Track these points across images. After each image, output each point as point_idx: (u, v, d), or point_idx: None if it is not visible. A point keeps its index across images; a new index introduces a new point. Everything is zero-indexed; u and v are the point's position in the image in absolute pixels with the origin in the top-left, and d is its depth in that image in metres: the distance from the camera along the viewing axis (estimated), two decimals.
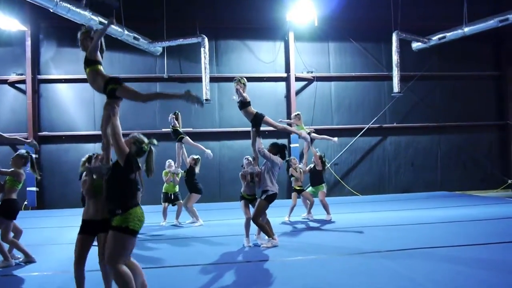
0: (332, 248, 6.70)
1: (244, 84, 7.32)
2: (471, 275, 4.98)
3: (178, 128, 9.68)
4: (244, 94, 7.25)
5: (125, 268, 3.85)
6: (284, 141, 14.89)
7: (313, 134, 10.22)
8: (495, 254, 6.03)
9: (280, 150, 7.15)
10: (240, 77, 7.38)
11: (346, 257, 6.12)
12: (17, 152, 6.42)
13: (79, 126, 14.14)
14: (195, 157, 9.63)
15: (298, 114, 10.23)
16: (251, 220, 6.93)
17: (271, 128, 14.01)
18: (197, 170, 9.50)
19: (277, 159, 7.01)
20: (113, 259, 3.82)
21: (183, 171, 9.70)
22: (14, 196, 6.14)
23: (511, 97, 15.85)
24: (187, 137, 9.56)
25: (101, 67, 4.37)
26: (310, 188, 9.85)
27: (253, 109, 7.38)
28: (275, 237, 6.94)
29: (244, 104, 7.36)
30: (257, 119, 7.28)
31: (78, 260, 4.31)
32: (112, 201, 3.95)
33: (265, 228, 6.88)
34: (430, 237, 7.32)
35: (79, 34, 4.56)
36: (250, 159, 7.50)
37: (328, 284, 4.84)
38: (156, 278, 5.13)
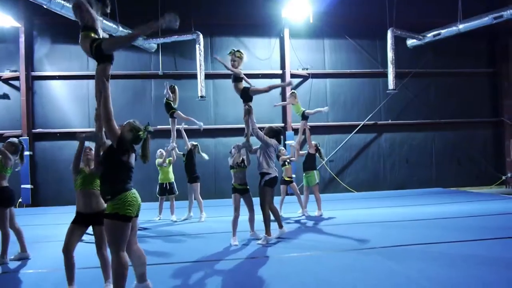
0: (328, 245, 6.71)
1: (240, 58, 7.09)
2: (466, 271, 5.01)
3: (171, 102, 9.57)
4: (236, 70, 7.02)
5: (124, 259, 3.87)
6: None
7: (307, 111, 10.28)
8: (489, 250, 6.06)
9: (276, 134, 7.11)
10: (237, 49, 7.18)
11: (341, 254, 6.13)
12: (9, 139, 6.34)
13: (74, 123, 14.07)
14: (194, 143, 9.72)
15: (293, 92, 10.29)
16: (238, 218, 6.97)
17: (266, 125, 14.02)
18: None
19: (271, 140, 6.95)
20: (112, 246, 3.87)
21: (182, 154, 9.71)
22: (4, 183, 6.07)
23: (506, 94, 15.92)
24: (179, 111, 9.49)
25: (93, 34, 4.31)
26: (304, 177, 9.81)
27: (242, 85, 7.15)
28: (277, 232, 7.01)
29: (235, 79, 7.17)
30: (244, 93, 7.10)
31: (66, 246, 4.45)
32: (104, 185, 3.97)
33: (268, 221, 6.84)
34: (425, 233, 7.35)
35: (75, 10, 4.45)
36: (240, 144, 7.39)
37: (323, 280, 4.85)
38: (149, 275, 5.11)
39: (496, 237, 6.84)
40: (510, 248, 6.14)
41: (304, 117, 9.95)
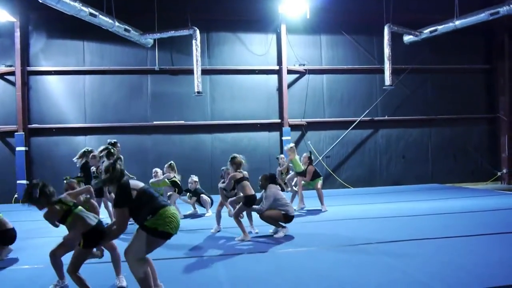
0: (324, 240, 6.73)
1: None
2: (462, 266, 5.04)
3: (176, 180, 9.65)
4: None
5: (146, 268, 3.92)
6: (276, 134, 14.94)
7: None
8: (485, 245, 6.10)
9: (271, 179, 7.30)
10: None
11: (337, 249, 6.15)
12: None
13: (70, 119, 14.01)
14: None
15: (292, 147, 10.20)
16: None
17: (263, 121, 14.02)
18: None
19: (272, 191, 7.08)
20: (134, 254, 3.86)
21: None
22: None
23: (502, 91, 15.95)
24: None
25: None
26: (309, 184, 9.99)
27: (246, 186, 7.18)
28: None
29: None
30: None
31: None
32: (138, 216, 3.98)
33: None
34: (421, 228, 7.38)
35: None
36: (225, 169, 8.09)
37: (320, 276, 4.87)
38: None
39: (491, 232, 6.88)
40: (506, 244, 6.18)
41: (301, 173, 9.88)
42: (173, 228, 3.95)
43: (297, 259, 5.61)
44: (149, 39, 13.85)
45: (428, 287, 4.37)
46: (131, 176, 8.29)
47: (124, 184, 3.95)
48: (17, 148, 13.27)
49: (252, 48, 14.98)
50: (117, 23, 12.45)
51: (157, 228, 3.86)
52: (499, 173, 16.01)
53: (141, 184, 4.07)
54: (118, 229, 3.97)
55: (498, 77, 16.07)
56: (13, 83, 13.72)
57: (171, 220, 3.92)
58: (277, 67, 15.03)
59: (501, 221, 7.93)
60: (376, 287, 4.43)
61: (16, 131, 13.50)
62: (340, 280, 4.65)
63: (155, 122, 14.34)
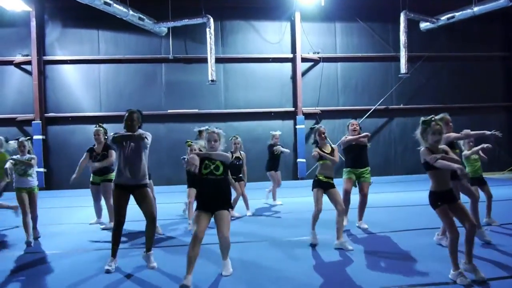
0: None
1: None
2: (479, 254, 5.00)
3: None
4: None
5: None
6: (290, 122, 14.90)
7: None
8: (500, 234, 6.04)
9: None
10: None
11: (349, 238, 6.16)
12: None
13: (85, 107, 14.18)
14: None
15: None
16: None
17: (277, 109, 13.96)
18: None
19: None
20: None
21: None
22: None
23: None
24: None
25: None
26: None
27: None
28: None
29: None
30: None
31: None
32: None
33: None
34: (434, 218, 7.32)
35: None
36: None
37: (334, 264, 4.90)
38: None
39: (507, 222, 6.81)
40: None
41: None
42: None
43: (302, 247, 5.63)
44: (163, 28, 13.87)
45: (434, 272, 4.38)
46: None
47: None
48: (35, 137, 13.48)
49: (266, 36, 14.90)
50: (131, 12, 12.49)
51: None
52: None
53: None
54: None
55: None
56: (29, 73, 13.90)
57: None
58: (291, 55, 14.95)
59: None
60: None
61: (33, 120, 13.71)
62: (355, 266, 4.67)
63: (169, 111, 14.42)
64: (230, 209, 4.53)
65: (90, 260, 5.29)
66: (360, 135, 6.70)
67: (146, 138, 4.78)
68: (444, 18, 14.24)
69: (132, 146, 4.83)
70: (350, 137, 6.71)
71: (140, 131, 4.94)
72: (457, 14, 13.93)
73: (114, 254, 4.83)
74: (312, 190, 5.75)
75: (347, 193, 6.63)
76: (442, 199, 4.28)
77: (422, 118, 4.43)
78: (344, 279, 4.35)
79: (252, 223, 7.47)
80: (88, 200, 7.89)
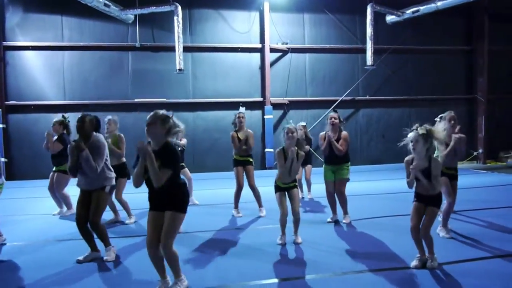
0: (302, 218, 6.86)
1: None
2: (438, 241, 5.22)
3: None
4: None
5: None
6: (258, 112, 14.95)
7: None
8: (458, 222, 6.31)
9: None
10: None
11: (316, 226, 6.30)
12: None
13: (49, 95, 13.76)
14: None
15: None
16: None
17: (245, 99, 13.98)
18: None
19: None
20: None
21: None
22: None
23: (480, 72, 16.20)
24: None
25: None
26: None
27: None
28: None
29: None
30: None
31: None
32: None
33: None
34: (396, 206, 7.56)
35: None
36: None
37: (298, 250, 5.00)
38: (130, 247, 5.20)
39: (466, 209, 7.11)
40: (480, 220, 6.41)
41: None
42: None
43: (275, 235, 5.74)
44: (129, 15, 13.59)
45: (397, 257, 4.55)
46: None
47: None
48: None
49: (235, 26, 14.84)
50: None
51: None
52: (475, 153, 16.38)
53: None
54: None
55: (477, 58, 16.29)
56: None
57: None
58: (259, 45, 14.95)
59: (476, 199, 8.18)
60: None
61: None
62: (317, 254, 4.79)
63: (136, 100, 14.20)
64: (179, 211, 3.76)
65: (56, 251, 5.22)
66: (325, 144, 6.58)
67: (85, 150, 4.72)
68: (409, 11, 14.54)
69: (82, 154, 4.77)
70: (323, 146, 6.60)
71: (98, 136, 4.93)
72: (421, 8, 14.25)
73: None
74: (275, 193, 5.51)
75: (329, 195, 6.63)
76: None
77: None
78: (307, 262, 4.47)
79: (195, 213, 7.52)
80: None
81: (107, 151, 5.02)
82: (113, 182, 5.13)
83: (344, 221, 6.53)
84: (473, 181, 10.77)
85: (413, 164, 4.44)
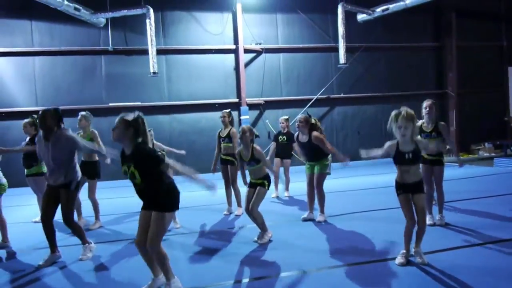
0: (281, 216, 6.96)
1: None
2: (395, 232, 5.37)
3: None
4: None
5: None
6: (234, 113, 14.97)
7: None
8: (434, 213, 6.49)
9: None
10: None
11: (291, 223, 6.39)
12: None
13: (20, 102, 13.48)
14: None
15: None
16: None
17: (221, 101, 13.97)
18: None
19: None
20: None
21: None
22: None
23: (449, 67, 16.64)
24: None
25: None
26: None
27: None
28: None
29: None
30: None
31: None
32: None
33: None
34: (372, 201, 7.73)
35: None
36: None
37: (274, 249, 5.07)
38: (112, 251, 5.17)
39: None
40: (450, 213, 6.61)
41: None
42: None
43: (254, 234, 5.80)
44: (101, 19, 13.44)
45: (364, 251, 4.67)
46: None
47: None
48: None
49: (208, 27, 14.84)
50: (66, 2, 11.98)
51: None
52: (447, 147, 16.76)
53: None
54: None
55: (446, 54, 16.73)
56: None
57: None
58: (233, 46, 14.99)
59: (448, 191, 8.40)
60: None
61: None
62: (296, 248, 4.87)
63: (110, 104, 14.06)
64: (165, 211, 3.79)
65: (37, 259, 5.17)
66: (296, 147, 7.29)
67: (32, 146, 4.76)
68: (379, 10, 14.80)
69: (45, 151, 4.76)
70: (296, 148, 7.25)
71: (68, 133, 4.87)
72: (391, 6, 14.54)
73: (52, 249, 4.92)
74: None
75: (309, 189, 6.82)
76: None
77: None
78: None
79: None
80: (28, 198, 7.64)
81: (79, 145, 4.92)
82: (79, 178, 5.04)
83: (318, 219, 6.53)
84: (448, 173, 11.03)
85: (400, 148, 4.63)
